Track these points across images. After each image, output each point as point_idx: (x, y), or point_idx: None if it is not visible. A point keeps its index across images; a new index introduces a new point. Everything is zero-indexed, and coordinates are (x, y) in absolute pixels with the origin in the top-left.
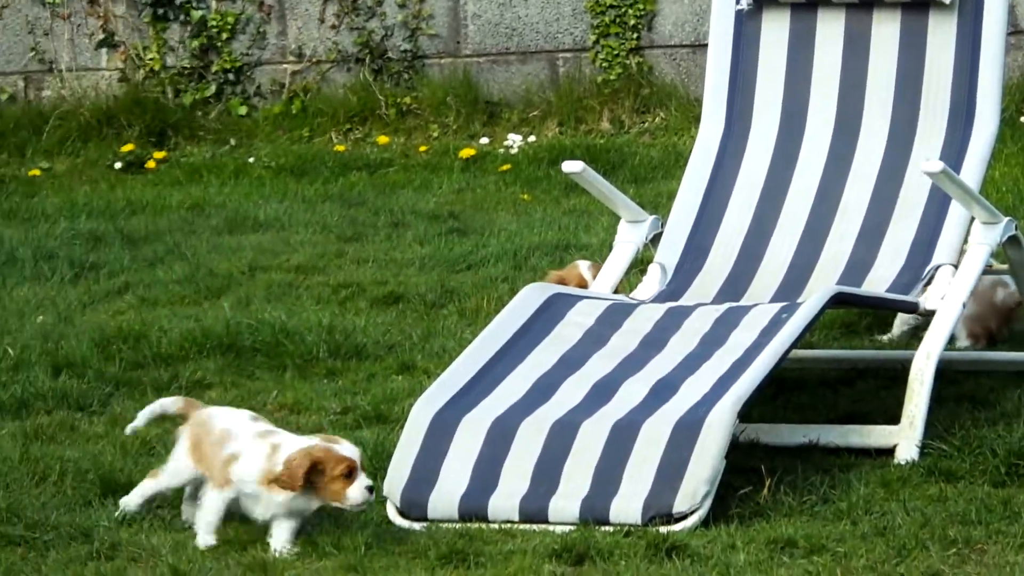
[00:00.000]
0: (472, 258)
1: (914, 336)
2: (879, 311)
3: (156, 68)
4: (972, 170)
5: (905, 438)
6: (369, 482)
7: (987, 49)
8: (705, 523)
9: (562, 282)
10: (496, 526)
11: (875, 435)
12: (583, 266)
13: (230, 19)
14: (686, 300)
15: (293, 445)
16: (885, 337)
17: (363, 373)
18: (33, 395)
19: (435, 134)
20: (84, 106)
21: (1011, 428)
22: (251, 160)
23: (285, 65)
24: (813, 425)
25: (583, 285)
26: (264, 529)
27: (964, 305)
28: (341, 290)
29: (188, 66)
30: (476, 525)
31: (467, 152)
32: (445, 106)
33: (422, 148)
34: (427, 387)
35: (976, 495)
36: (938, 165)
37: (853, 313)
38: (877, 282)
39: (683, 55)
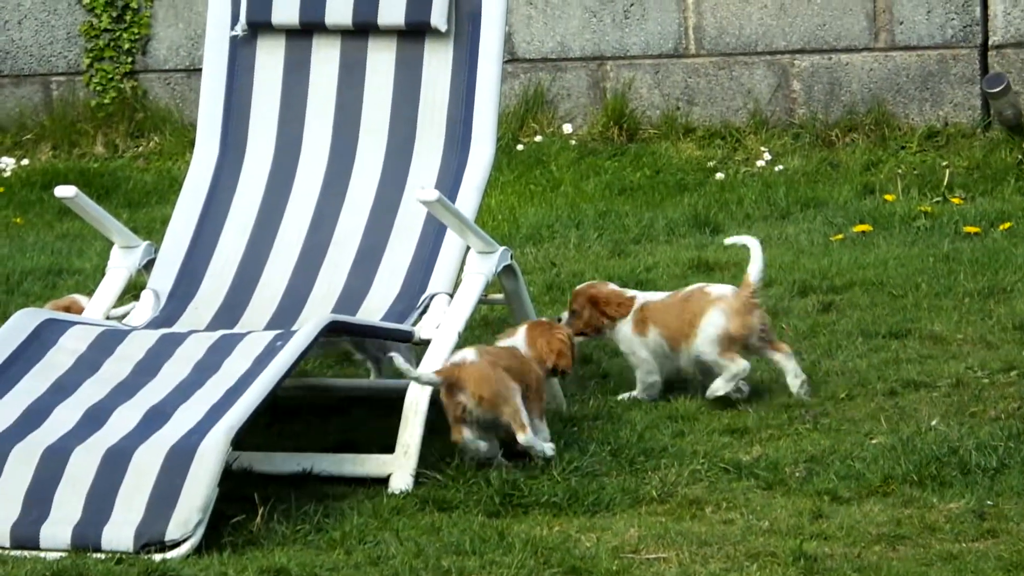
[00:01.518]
0: None
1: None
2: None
3: None
4: (468, 198)
5: (399, 467)
6: None
7: (483, 76)
8: (198, 551)
9: (65, 311)
10: None
11: (369, 464)
12: (82, 299)
13: None
14: (180, 327)
15: None
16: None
17: None
18: None
19: None
20: None
21: (506, 458)
22: None
23: None
24: (307, 454)
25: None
26: None
27: (459, 335)
28: None
29: None
30: None
31: None
32: None
33: None
34: None
35: (470, 525)
36: (433, 194)
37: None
38: (373, 311)
39: (178, 79)
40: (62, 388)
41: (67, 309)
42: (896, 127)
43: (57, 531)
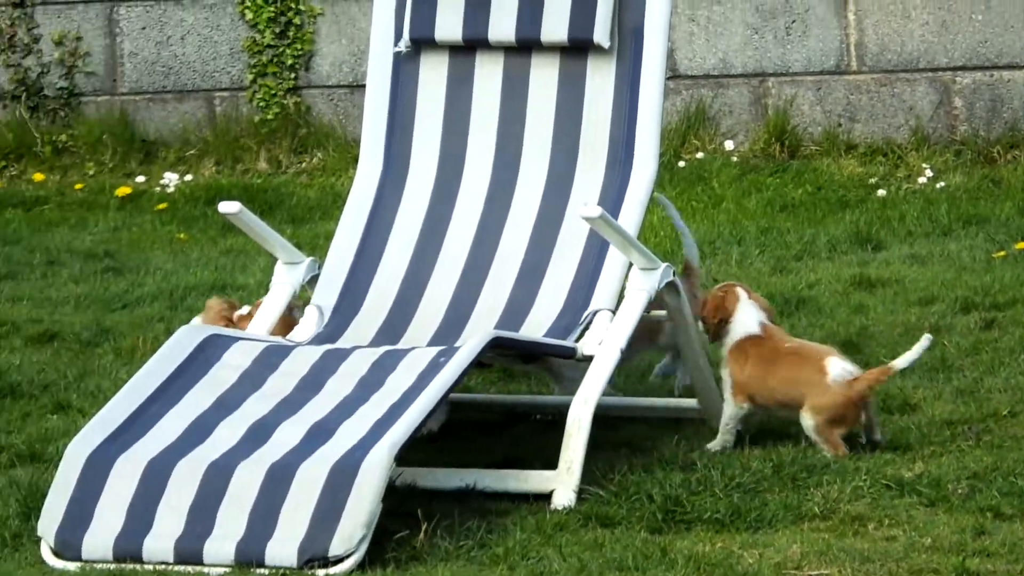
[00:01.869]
0: (128, 297)
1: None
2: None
3: None
4: (630, 215)
5: (562, 483)
6: None
7: (645, 93)
8: (361, 567)
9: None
10: (151, 567)
11: (532, 480)
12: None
13: None
14: (343, 343)
15: None
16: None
17: (17, 412)
18: None
19: (91, 172)
20: None
21: (668, 474)
22: None
23: None
24: (471, 469)
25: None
26: None
27: (621, 351)
28: None
29: None
30: (131, 566)
31: (123, 190)
32: (101, 144)
33: (78, 186)
34: (82, 427)
35: (633, 541)
36: (596, 210)
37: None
38: (535, 327)
39: (341, 95)
40: (226, 404)
41: (230, 307)
42: None
43: (221, 547)
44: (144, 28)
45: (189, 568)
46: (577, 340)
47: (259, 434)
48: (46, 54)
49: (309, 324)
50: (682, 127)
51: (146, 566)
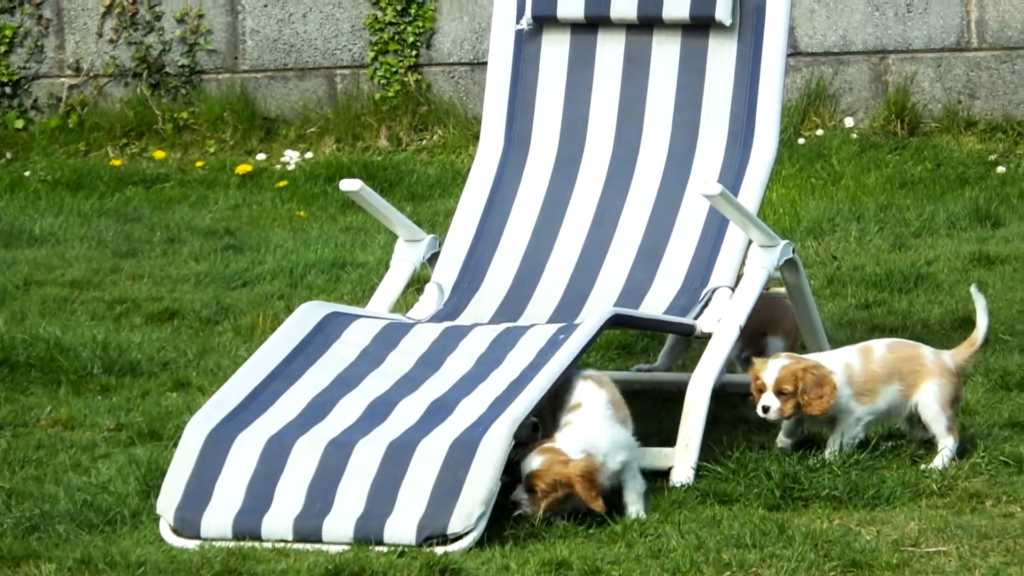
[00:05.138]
0: (248, 275)
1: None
2: (657, 332)
3: None
4: (750, 192)
5: (680, 460)
6: None
7: (766, 71)
8: (480, 544)
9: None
10: (270, 545)
11: (650, 457)
12: None
13: (8, 32)
14: (463, 320)
15: None
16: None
17: (137, 390)
18: None
19: (212, 150)
20: None
21: (786, 451)
22: (27, 174)
23: (63, 79)
24: None
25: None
26: None
27: (740, 329)
28: (116, 306)
29: None
30: (250, 544)
31: (244, 168)
32: (222, 122)
33: (199, 164)
34: (202, 404)
35: (751, 518)
36: (716, 188)
37: (630, 334)
38: (654, 304)
39: (462, 73)
40: (346, 381)
41: None
42: None
43: (340, 524)
44: (266, 6)
45: (308, 546)
46: (696, 318)
47: (378, 411)
48: (168, 32)
49: (429, 301)
50: (802, 104)
51: (265, 544)
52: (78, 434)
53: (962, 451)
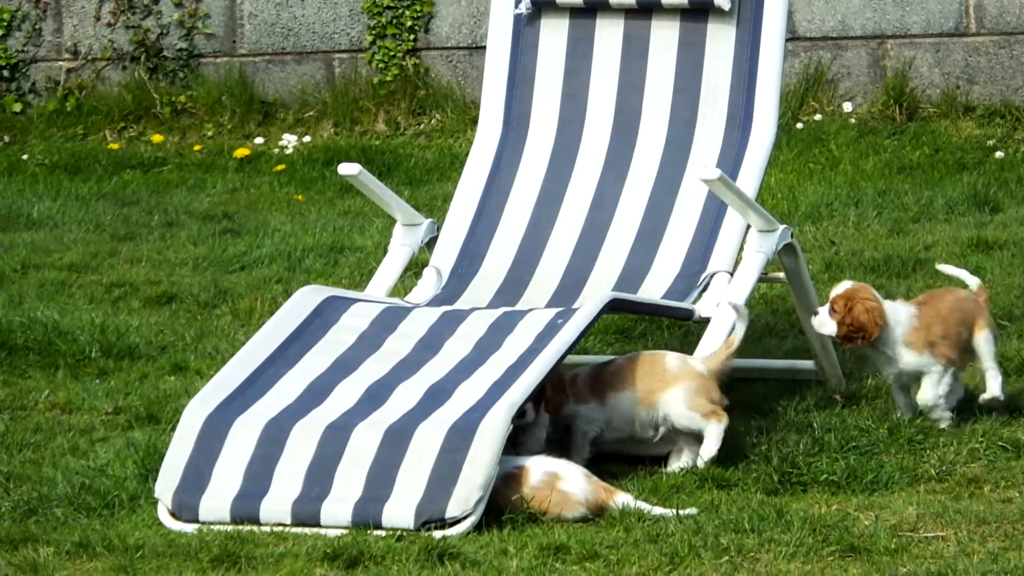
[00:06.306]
0: (246, 259)
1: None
2: (654, 317)
3: None
4: (749, 177)
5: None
6: None
7: (765, 55)
8: (478, 528)
9: None
10: (268, 529)
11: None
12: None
13: (5, 16)
14: (461, 304)
15: None
16: None
17: (135, 373)
18: None
19: (210, 133)
20: None
21: (785, 436)
22: (25, 157)
23: (60, 62)
24: None
25: None
26: None
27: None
28: (114, 289)
29: None
30: (248, 528)
31: (242, 152)
32: (220, 105)
33: (196, 147)
34: (200, 388)
35: (749, 503)
36: (715, 172)
37: (628, 319)
38: (653, 288)
39: (460, 57)
40: (344, 365)
41: None
42: None
43: (338, 508)
44: None
45: (306, 530)
46: (695, 302)
47: (377, 396)
48: (165, 15)
49: (427, 285)
50: (800, 89)
51: (263, 528)
52: (76, 417)
53: (960, 436)
